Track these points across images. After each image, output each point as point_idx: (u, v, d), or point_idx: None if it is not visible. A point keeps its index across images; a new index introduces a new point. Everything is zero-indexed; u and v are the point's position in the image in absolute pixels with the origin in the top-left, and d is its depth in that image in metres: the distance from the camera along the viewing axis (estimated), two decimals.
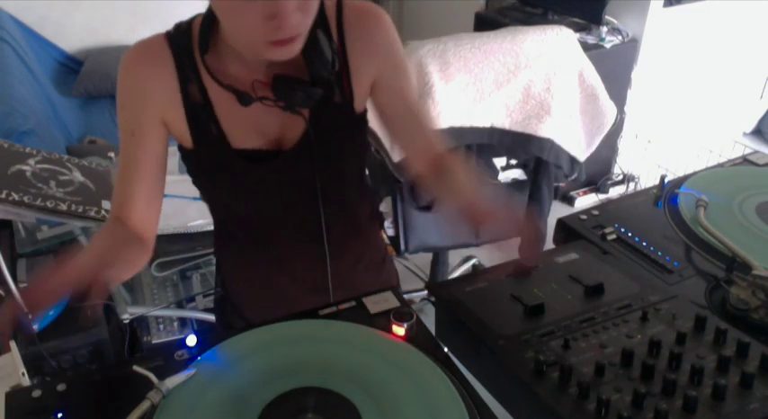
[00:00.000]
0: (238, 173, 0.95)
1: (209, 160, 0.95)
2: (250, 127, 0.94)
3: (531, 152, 2.07)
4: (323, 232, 1.03)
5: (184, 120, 0.92)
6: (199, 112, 0.92)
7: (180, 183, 1.92)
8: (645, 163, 3.05)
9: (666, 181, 1.15)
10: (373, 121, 1.03)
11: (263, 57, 0.83)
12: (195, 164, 0.97)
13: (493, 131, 2.02)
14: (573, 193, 3.18)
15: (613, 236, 1.04)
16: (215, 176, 0.97)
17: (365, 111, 1.00)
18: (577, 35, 2.56)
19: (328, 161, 0.97)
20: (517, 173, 2.32)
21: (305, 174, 0.96)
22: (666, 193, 1.13)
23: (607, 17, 2.93)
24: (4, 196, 1.53)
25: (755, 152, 1.30)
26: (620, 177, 3.22)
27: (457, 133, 2.00)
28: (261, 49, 0.81)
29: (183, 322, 1.93)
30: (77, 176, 1.75)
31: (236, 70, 0.90)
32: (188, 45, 0.91)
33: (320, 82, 0.90)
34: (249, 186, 0.97)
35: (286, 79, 0.88)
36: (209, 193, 1.04)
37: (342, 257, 1.07)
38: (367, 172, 1.14)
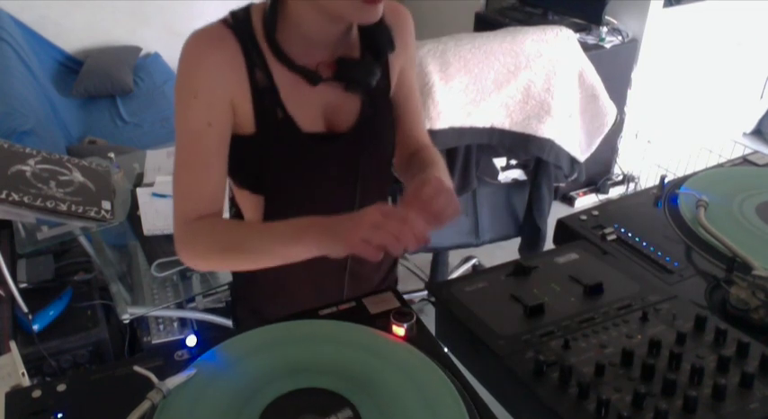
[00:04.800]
0: (306, 155, 0.97)
1: (275, 144, 0.96)
2: (311, 110, 0.96)
3: (531, 152, 2.07)
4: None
5: (250, 105, 0.93)
6: (265, 97, 0.93)
7: None
8: (645, 163, 3.05)
9: (666, 181, 1.15)
10: None
11: (349, 19, 0.89)
12: (256, 148, 0.96)
13: (493, 131, 2.02)
14: (573, 193, 3.18)
15: (613, 237, 1.04)
16: (280, 160, 0.97)
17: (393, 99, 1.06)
18: (577, 35, 2.56)
19: (379, 142, 1.03)
20: (517, 174, 2.32)
21: (358, 155, 1.00)
22: (666, 193, 1.13)
23: (607, 17, 2.93)
24: (4, 196, 1.53)
25: (755, 152, 1.30)
26: (620, 177, 3.23)
27: (457, 133, 2.00)
28: (352, 10, 0.85)
29: (183, 322, 1.93)
30: (77, 176, 1.75)
31: (300, 54, 0.93)
32: (250, 31, 0.92)
33: (378, 61, 0.96)
34: (311, 168, 0.99)
35: (348, 59, 0.95)
36: (265, 178, 1.01)
37: None
38: None
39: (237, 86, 0.91)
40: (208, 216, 0.95)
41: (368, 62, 0.96)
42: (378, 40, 0.96)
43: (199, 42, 0.91)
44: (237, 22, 0.92)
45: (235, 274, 1.22)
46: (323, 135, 0.97)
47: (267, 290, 1.13)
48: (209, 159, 0.93)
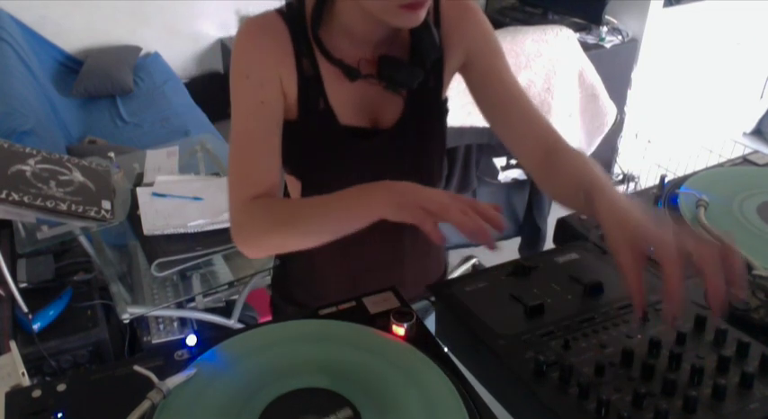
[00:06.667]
0: (342, 147, 0.99)
1: (314, 133, 0.98)
2: (353, 104, 0.98)
3: None
4: None
5: (296, 92, 0.95)
6: (310, 86, 0.95)
7: (180, 183, 1.92)
8: (645, 163, 3.06)
9: (666, 181, 1.15)
10: None
11: (389, 23, 0.88)
12: (297, 134, 0.98)
13: (493, 131, 2.02)
14: None
15: None
16: (317, 149, 1.00)
17: (446, 99, 1.06)
18: (577, 35, 2.56)
19: (421, 143, 1.03)
20: (517, 173, 2.32)
21: (398, 154, 1.01)
22: (666, 193, 1.13)
23: (607, 17, 2.93)
24: (4, 196, 1.53)
25: (755, 152, 1.30)
26: (620, 177, 3.23)
27: (457, 133, 2.00)
28: (390, 14, 0.86)
29: (183, 322, 1.94)
30: (77, 176, 1.75)
31: (345, 48, 0.95)
32: (301, 21, 0.94)
33: (422, 65, 0.96)
34: (347, 160, 1.00)
35: (391, 59, 0.95)
36: (302, 164, 1.03)
37: (416, 236, 1.11)
38: None
39: (286, 72, 0.94)
40: (264, 195, 0.94)
41: (410, 64, 0.96)
42: (423, 43, 0.95)
43: (251, 28, 0.94)
44: (290, 12, 0.95)
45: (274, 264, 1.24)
46: (363, 130, 0.99)
47: (299, 279, 1.14)
48: (264, 137, 0.94)
